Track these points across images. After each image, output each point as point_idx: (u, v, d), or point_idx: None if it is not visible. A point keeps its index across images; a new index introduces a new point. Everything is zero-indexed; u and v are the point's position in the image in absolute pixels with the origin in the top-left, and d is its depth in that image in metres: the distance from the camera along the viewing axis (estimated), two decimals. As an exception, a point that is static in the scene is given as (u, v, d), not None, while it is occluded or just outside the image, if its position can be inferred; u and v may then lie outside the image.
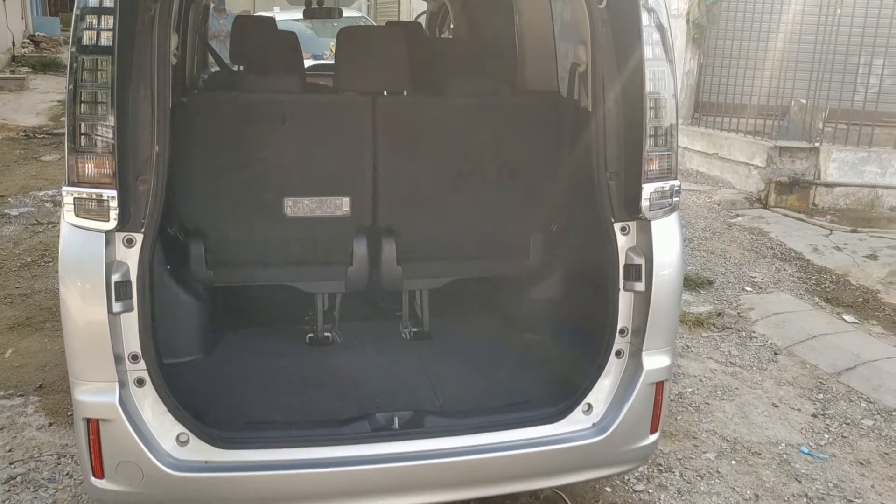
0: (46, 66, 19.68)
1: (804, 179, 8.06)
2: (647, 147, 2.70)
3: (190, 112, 2.89)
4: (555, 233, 3.33)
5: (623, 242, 2.78)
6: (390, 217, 3.16)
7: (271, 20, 4.38)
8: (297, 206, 3.03)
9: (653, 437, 2.89)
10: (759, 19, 8.60)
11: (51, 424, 3.81)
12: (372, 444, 2.63)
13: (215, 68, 5.68)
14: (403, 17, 13.53)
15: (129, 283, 2.37)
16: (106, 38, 2.27)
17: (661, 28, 2.68)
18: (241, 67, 4.00)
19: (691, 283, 6.06)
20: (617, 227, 2.78)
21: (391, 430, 2.68)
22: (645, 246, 2.76)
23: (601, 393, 2.83)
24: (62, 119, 13.34)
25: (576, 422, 2.81)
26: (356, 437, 2.64)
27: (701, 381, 4.58)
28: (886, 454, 3.89)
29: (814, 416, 4.23)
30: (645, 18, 2.64)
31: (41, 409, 3.96)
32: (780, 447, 3.91)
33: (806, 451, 3.88)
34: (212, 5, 12.99)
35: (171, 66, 2.57)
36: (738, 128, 8.77)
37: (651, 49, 2.67)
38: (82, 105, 2.28)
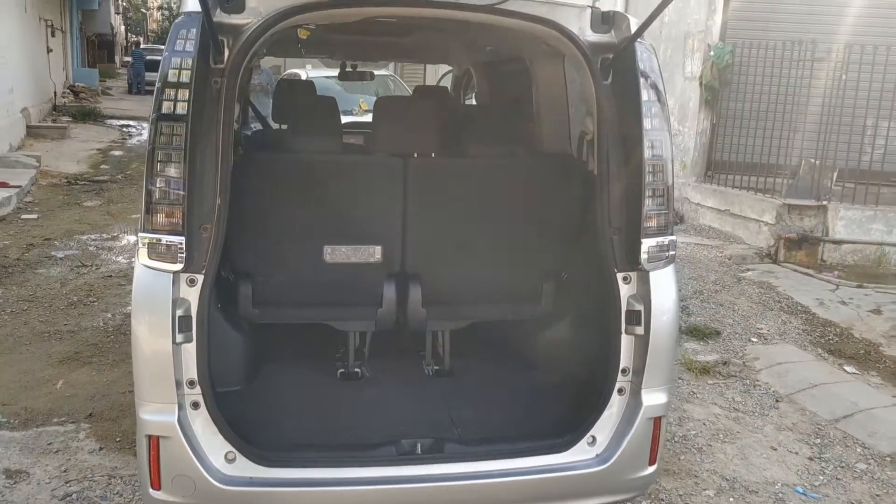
0: (86, 116, 20.54)
1: (812, 236, 8.35)
2: (645, 206, 3.05)
3: (244, 168, 3.30)
4: (565, 281, 3.67)
5: (625, 290, 3.11)
6: (417, 264, 3.52)
7: (311, 84, 4.81)
8: (336, 253, 3.40)
9: (651, 469, 3.19)
10: (770, 83, 9.00)
11: (101, 449, 4.15)
12: (397, 467, 2.95)
13: (255, 124, 6.16)
14: (429, 75, 14.10)
15: (190, 317, 2.73)
16: (181, 108, 2.68)
17: (659, 102, 3.06)
18: (284, 126, 4.43)
19: (700, 333, 6.35)
20: (619, 276, 3.11)
21: (414, 454, 3.00)
22: (644, 294, 3.09)
23: (604, 426, 3.13)
24: (102, 167, 14.01)
25: (581, 452, 3.11)
26: (383, 459, 2.96)
27: (704, 424, 4.85)
28: (878, 496, 4.13)
29: (810, 458, 4.48)
30: (645, 94, 3.02)
31: (92, 434, 4.31)
32: (777, 486, 4.17)
33: (801, 490, 4.14)
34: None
35: (233, 130, 2.98)
36: (750, 185, 9.11)
37: (650, 121, 3.04)
38: (159, 164, 2.68)
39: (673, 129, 10.40)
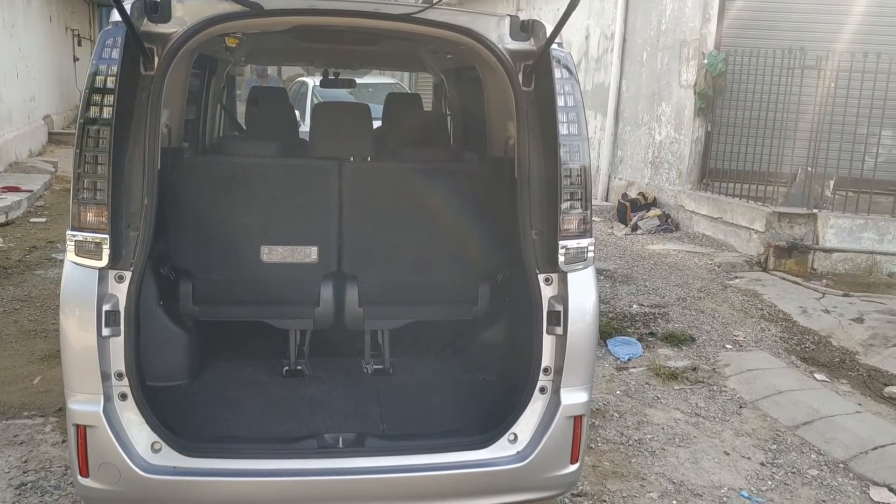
0: (107, 123, 20.89)
1: (802, 244, 8.31)
2: (562, 209, 3.14)
3: (185, 172, 3.44)
4: (500, 283, 3.76)
5: (547, 291, 3.20)
6: (353, 265, 3.64)
7: (279, 92, 4.97)
8: (273, 253, 3.53)
9: (573, 467, 3.25)
10: (763, 91, 8.99)
11: (63, 441, 4.31)
12: (317, 459, 3.05)
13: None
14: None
15: (117, 312, 2.87)
16: (107, 113, 2.82)
17: (575, 108, 3.15)
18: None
19: (675, 339, 6.37)
20: (541, 277, 3.20)
21: (336, 447, 3.10)
22: (564, 295, 3.17)
23: (526, 424, 3.21)
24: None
25: (502, 449, 3.18)
26: (304, 451, 3.07)
27: (662, 429, 4.89)
28: (823, 501, 4.14)
29: (762, 464, 4.50)
30: (560, 100, 3.11)
31: (57, 428, 4.47)
32: (722, 491, 4.20)
33: (746, 494, 4.16)
34: (255, 72, 13.95)
35: (163, 134, 3.11)
36: (742, 193, 9.09)
37: (566, 126, 3.13)
38: (86, 165, 2.82)
39: (670, 136, 10.47)
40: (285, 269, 3.56)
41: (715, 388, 5.54)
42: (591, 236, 3.24)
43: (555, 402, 3.19)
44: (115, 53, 2.82)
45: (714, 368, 5.87)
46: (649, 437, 4.77)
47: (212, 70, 5.07)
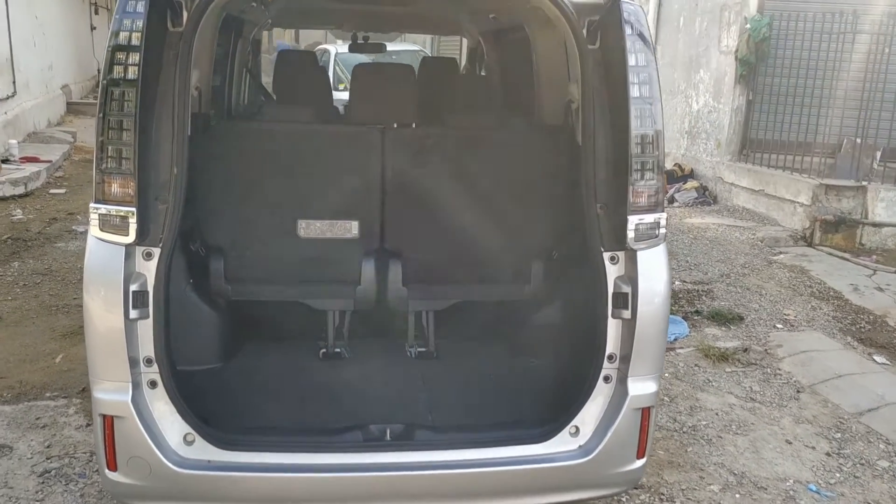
0: (126, 93, 20.67)
1: (850, 218, 7.95)
2: (632, 181, 2.83)
3: (213, 140, 3.16)
4: (555, 261, 3.47)
5: (612, 271, 2.91)
6: (397, 241, 3.35)
7: (310, 56, 4.67)
8: (310, 228, 3.26)
9: (639, 463, 2.98)
10: (809, 57, 8.57)
11: (88, 425, 4.09)
12: (363, 454, 2.80)
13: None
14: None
15: (145, 292, 2.61)
16: (132, 73, 2.54)
17: (648, 68, 2.83)
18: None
19: (722, 318, 6.07)
20: (606, 256, 2.91)
21: (382, 440, 2.84)
22: (632, 275, 2.88)
23: (589, 416, 2.93)
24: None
25: (563, 443, 2.91)
26: (349, 445, 2.81)
27: (717, 415, 4.61)
28: (897, 496, 3.86)
29: (828, 454, 4.21)
30: (632, 59, 2.79)
31: (81, 410, 4.25)
32: (788, 483, 3.92)
33: (814, 488, 3.88)
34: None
35: (193, 97, 2.83)
36: (786, 165, 8.71)
37: (638, 88, 2.81)
38: (109, 132, 2.54)
39: (708, 105, 10.05)
40: (324, 245, 3.29)
41: (769, 370, 5.24)
42: (663, 210, 2.94)
43: (620, 393, 2.91)
44: (141, 7, 2.53)
45: (766, 350, 5.56)
46: (704, 423, 4.49)
47: (238, 32, 4.77)
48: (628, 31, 2.77)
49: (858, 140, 8.43)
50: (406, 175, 3.29)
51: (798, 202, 8.28)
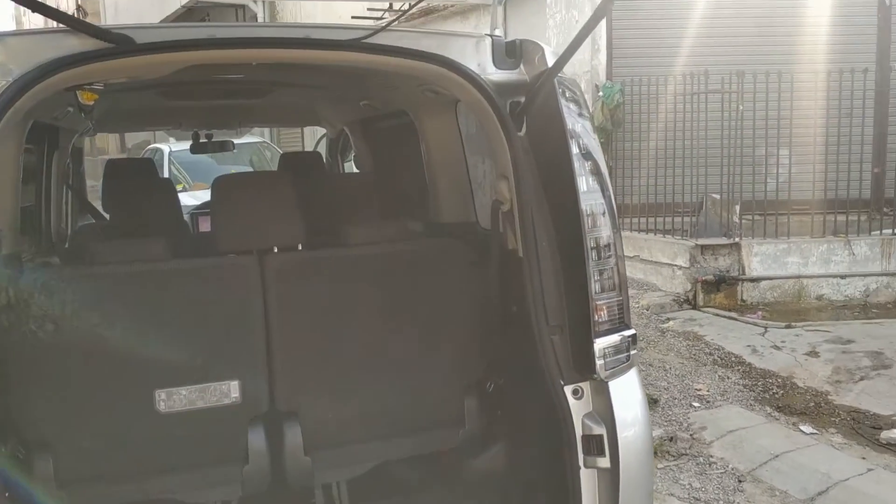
0: None
1: (730, 276, 7.88)
2: (593, 294, 2.26)
3: (25, 292, 2.30)
4: (492, 393, 2.81)
5: (578, 408, 2.31)
6: (292, 398, 2.58)
7: (147, 163, 3.85)
8: (173, 399, 2.43)
9: None
10: (664, 118, 8.61)
11: None
12: None
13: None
14: (308, 138, 13.14)
15: None
16: None
17: (594, 155, 2.31)
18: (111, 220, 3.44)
19: (635, 403, 5.61)
20: (568, 390, 2.30)
21: None
22: (604, 411, 2.29)
23: None
24: None
25: None
26: None
27: (667, 526, 4.06)
28: None
29: (798, 558, 3.74)
30: (574, 147, 2.26)
31: None
32: None
33: None
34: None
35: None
36: (657, 228, 8.60)
37: (585, 181, 2.28)
38: None
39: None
40: (194, 419, 2.46)
41: (702, 459, 4.79)
42: (629, 325, 2.38)
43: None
44: None
45: (692, 435, 5.13)
46: (656, 540, 3.93)
47: (52, 143, 3.89)
48: (568, 111, 2.24)
49: (717, 196, 8.48)
50: (296, 312, 2.55)
51: (676, 265, 8.16)
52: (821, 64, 8.22)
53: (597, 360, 2.23)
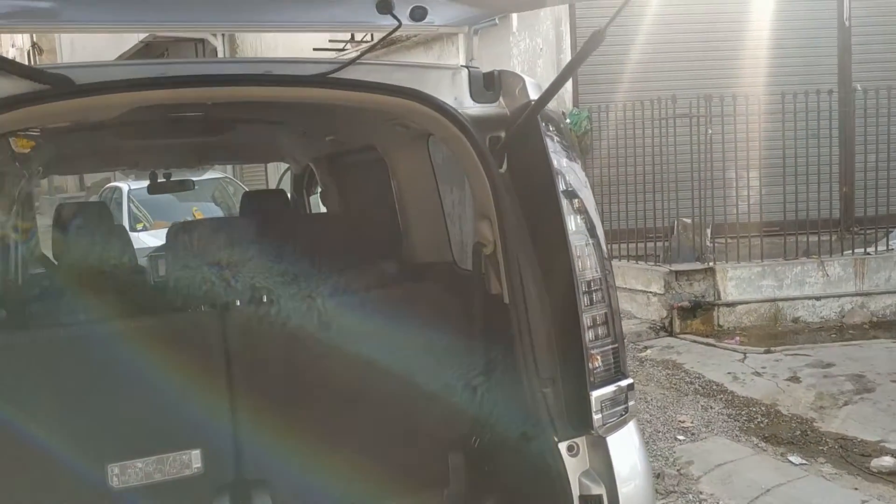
0: None
1: (705, 302, 7.80)
2: (586, 341, 2.09)
3: None
4: (478, 449, 2.61)
5: (573, 466, 2.12)
6: (261, 465, 2.36)
7: (100, 207, 3.62)
8: (127, 474, 2.20)
9: None
10: (633, 144, 8.55)
11: None
12: None
13: None
14: (272, 174, 12.87)
15: None
16: None
17: (582, 192, 2.14)
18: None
19: (619, 438, 5.44)
20: (562, 447, 2.12)
21: None
22: (603, 469, 2.11)
23: None
24: None
25: None
26: None
27: (662, 572, 3.87)
28: None
29: None
30: (562, 183, 2.10)
31: None
32: None
33: None
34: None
35: None
36: (629, 254, 8.51)
37: (574, 220, 2.11)
38: None
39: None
40: (153, 494, 2.23)
41: (692, 496, 4.62)
42: (626, 373, 2.21)
43: None
44: None
45: (679, 470, 4.96)
46: (651, 589, 3.72)
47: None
48: (552, 145, 2.08)
49: (688, 220, 8.43)
50: (262, 371, 2.33)
51: (651, 292, 8.06)
52: (787, 86, 8.23)
53: (594, 414, 2.06)
